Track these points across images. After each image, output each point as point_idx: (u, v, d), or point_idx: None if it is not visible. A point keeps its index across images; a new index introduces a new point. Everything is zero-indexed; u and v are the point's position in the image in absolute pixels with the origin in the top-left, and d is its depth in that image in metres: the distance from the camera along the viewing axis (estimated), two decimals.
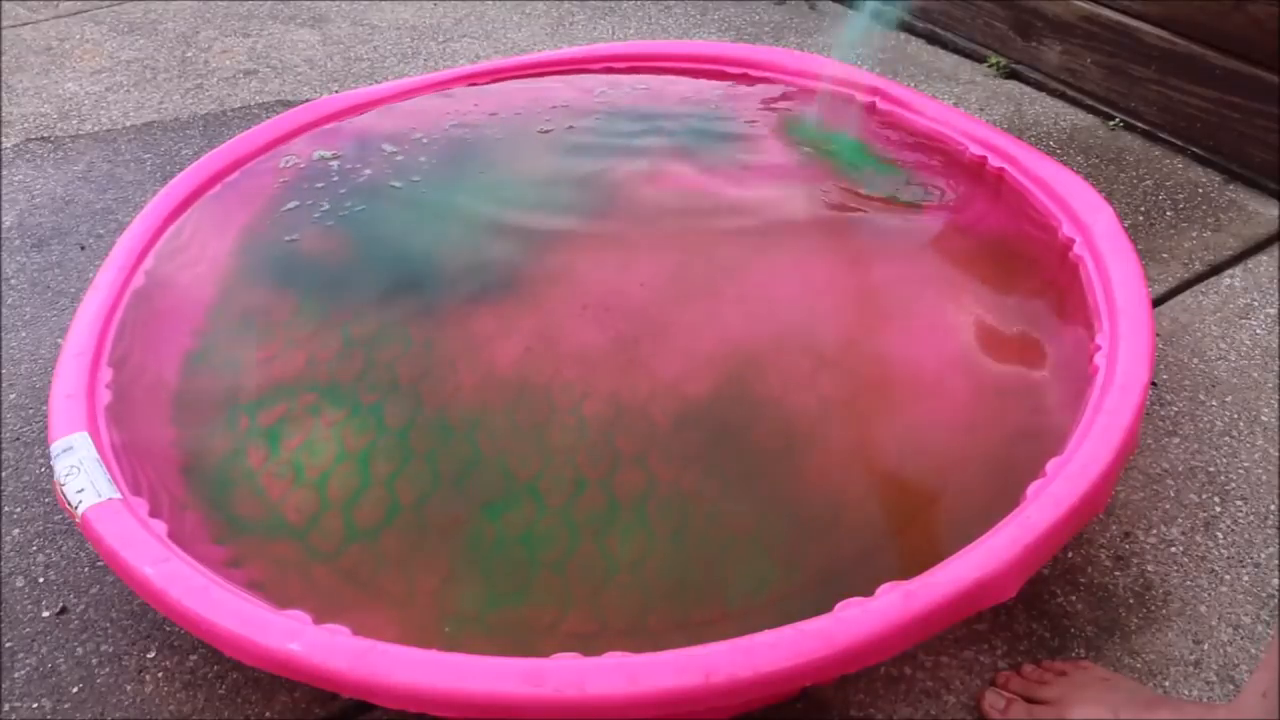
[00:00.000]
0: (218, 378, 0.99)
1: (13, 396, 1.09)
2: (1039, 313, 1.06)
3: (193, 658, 0.84)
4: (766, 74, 1.46)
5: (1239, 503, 0.96)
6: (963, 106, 1.58)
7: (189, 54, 1.77)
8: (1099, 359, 0.95)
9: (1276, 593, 0.88)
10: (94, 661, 0.84)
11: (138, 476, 0.86)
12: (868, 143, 1.32)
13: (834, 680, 0.80)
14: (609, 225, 1.19)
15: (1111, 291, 1.00)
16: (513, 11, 1.93)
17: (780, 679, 0.69)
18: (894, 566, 0.79)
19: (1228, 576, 0.90)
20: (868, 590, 0.74)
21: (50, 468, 0.86)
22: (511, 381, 0.99)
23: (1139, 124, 1.52)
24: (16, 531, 0.95)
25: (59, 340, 1.12)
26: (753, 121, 1.36)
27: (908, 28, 1.83)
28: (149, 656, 0.84)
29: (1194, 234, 1.31)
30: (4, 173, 1.45)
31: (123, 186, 1.42)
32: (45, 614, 0.88)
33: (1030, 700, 0.78)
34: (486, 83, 1.45)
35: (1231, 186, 1.40)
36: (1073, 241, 1.11)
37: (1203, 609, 0.87)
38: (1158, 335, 1.13)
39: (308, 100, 1.47)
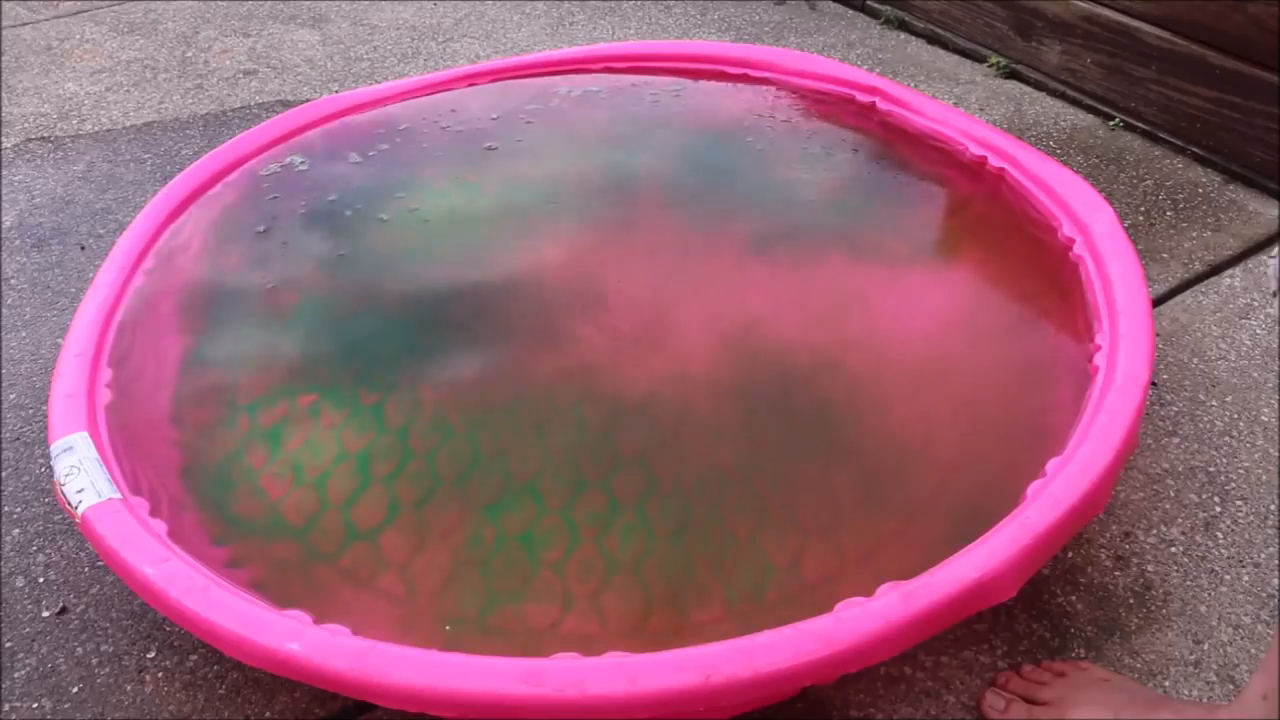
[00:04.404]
0: (218, 378, 0.99)
1: (13, 396, 1.09)
2: (1039, 312, 1.06)
3: (193, 658, 0.84)
4: (766, 74, 1.46)
5: (1239, 503, 0.96)
6: (963, 106, 1.58)
7: (189, 54, 1.77)
8: (1099, 359, 0.95)
9: (1276, 593, 0.88)
10: (94, 661, 0.84)
11: (138, 476, 0.86)
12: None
13: (834, 680, 0.80)
14: (609, 225, 1.19)
15: (1111, 291, 1.01)
16: (513, 11, 1.93)
17: (780, 679, 0.69)
18: (894, 566, 0.78)
19: (1228, 576, 0.90)
20: (868, 590, 0.74)
21: (50, 468, 0.86)
22: (511, 381, 0.99)
23: (1139, 124, 1.52)
24: (16, 531, 0.95)
25: (59, 340, 1.12)
26: (752, 121, 1.36)
27: (908, 27, 1.83)
28: (149, 656, 0.84)
29: (1194, 234, 1.31)
30: (4, 173, 1.45)
31: (123, 186, 1.42)
32: (45, 614, 0.88)
33: (1030, 701, 0.78)
34: (487, 83, 1.45)
35: (1231, 186, 1.40)
36: (1073, 241, 1.11)
37: (1203, 609, 0.87)
38: (1158, 335, 1.13)
39: (308, 100, 1.47)
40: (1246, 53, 1.35)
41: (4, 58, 1.76)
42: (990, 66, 1.70)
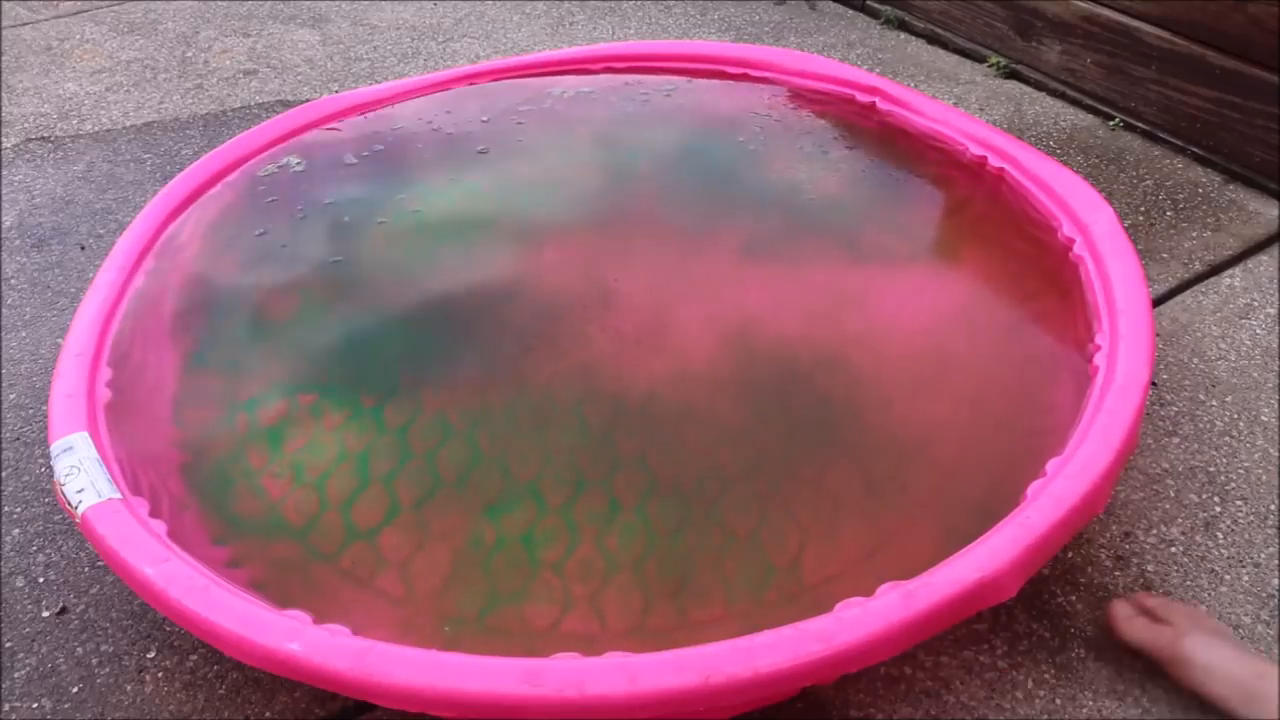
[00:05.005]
0: (218, 378, 0.99)
1: (13, 396, 1.09)
2: (1039, 313, 1.06)
3: (193, 658, 0.84)
4: (766, 74, 1.46)
5: (1239, 503, 0.96)
6: (963, 106, 1.58)
7: (189, 54, 1.77)
8: (1099, 359, 0.95)
9: (1276, 593, 0.88)
10: (94, 661, 0.84)
11: (138, 476, 0.86)
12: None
13: (834, 680, 0.80)
14: (610, 224, 1.19)
15: (1111, 291, 1.00)
16: (513, 11, 1.93)
17: (780, 679, 0.69)
18: (894, 566, 0.78)
19: (1228, 576, 0.90)
20: (868, 590, 0.74)
21: (50, 468, 0.86)
22: (511, 381, 0.99)
23: (1139, 124, 1.52)
24: (16, 531, 0.95)
25: (59, 340, 1.12)
26: (752, 121, 1.36)
27: (908, 27, 1.83)
28: (149, 656, 0.84)
29: (1194, 234, 1.31)
30: (4, 173, 1.45)
31: (123, 186, 1.42)
32: (45, 614, 0.88)
33: (1154, 619, 0.81)
34: (486, 83, 1.45)
35: (1231, 186, 1.40)
36: (1073, 241, 1.11)
37: (1202, 609, 0.87)
38: (1158, 335, 1.13)
39: (308, 100, 1.47)
40: (1246, 53, 1.35)
41: (4, 58, 1.76)
42: (990, 66, 1.70)
